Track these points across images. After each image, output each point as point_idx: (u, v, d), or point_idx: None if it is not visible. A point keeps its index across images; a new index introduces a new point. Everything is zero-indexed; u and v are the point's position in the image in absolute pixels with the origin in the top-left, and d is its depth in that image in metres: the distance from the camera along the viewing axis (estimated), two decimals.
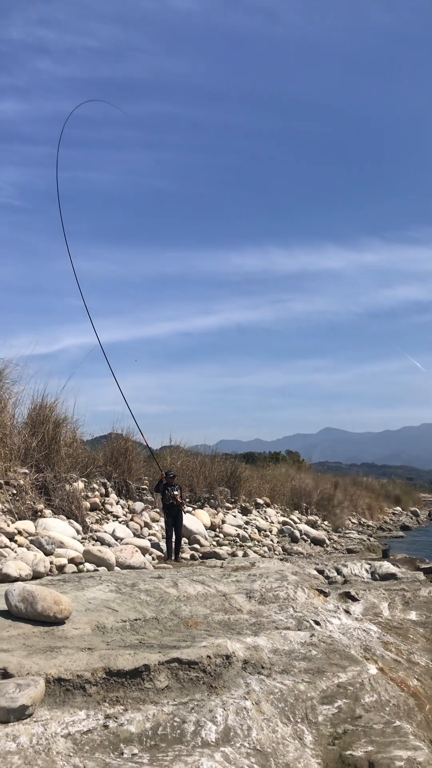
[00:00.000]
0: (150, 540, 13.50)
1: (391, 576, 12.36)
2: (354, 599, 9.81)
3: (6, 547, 9.33)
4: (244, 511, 20.11)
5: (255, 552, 15.46)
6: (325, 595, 9.50)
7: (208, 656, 5.70)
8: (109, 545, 11.64)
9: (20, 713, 4.24)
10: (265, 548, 16.77)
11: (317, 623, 7.89)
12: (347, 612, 9.00)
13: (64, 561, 9.43)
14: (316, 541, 20.17)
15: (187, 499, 17.20)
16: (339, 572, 12.16)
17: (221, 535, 16.55)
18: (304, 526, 21.52)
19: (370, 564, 12.94)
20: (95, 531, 12.42)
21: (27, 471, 12.07)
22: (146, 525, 14.55)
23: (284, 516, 22.53)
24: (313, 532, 21.11)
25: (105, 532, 12.50)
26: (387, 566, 12.82)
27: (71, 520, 11.95)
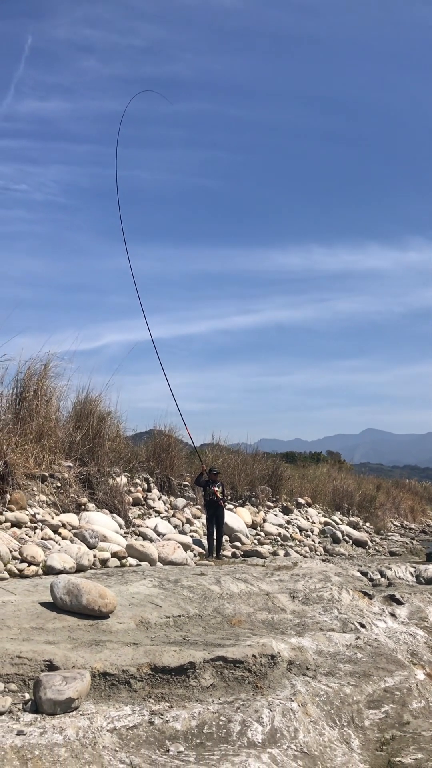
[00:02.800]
0: (192, 536, 13.47)
1: None
2: (399, 602, 9.62)
3: (50, 539, 9.39)
4: (285, 511, 19.96)
5: (296, 552, 15.31)
6: (370, 597, 9.33)
7: (253, 655, 5.63)
8: (151, 540, 11.64)
9: (66, 706, 4.23)
10: (306, 548, 16.60)
11: (362, 626, 7.75)
12: (393, 615, 8.82)
13: (107, 555, 9.45)
14: (358, 543, 19.90)
15: (229, 497, 17.14)
16: (383, 574, 11.95)
17: (262, 534, 16.43)
18: (345, 527, 21.26)
19: (414, 567, 12.70)
20: (137, 526, 12.43)
21: (71, 464, 12.14)
22: (188, 521, 14.53)
23: (325, 516, 22.30)
24: (354, 533, 20.84)
25: (147, 527, 12.50)
26: None
27: (114, 515, 11.98)
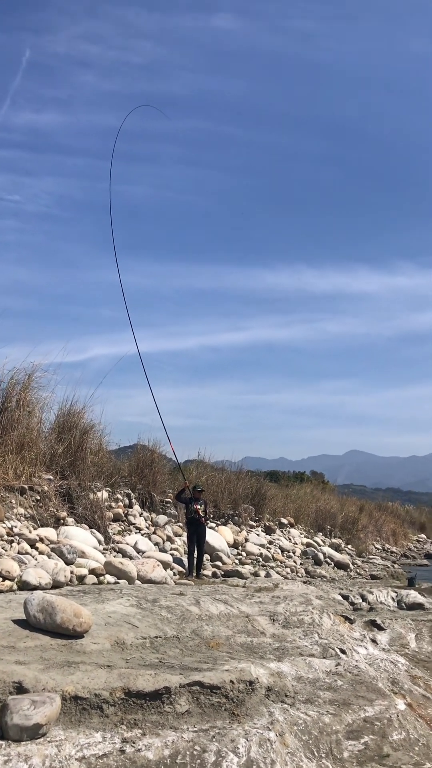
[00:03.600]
0: (172, 554, 13.26)
1: (419, 606, 11.96)
2: (380, 628, 9.47)
3: (27, 553, 9.17)
4: (268, 531, 19.78)
5: (278, 573, 15.12)
6: (351, 622, 9.17)
7: (231, 681, 5.45)
8: (131, 557, 11.43)
9: (34, 732, 4.04)
10: (288, 569, 16.42)
11: (343, 651, 7.59)
12: (374, 641, 8.66)
13: (84, 571, 9.24)
14: (340, 565, 19.74)
15: (211, 515, 16.94)
16: (364, 599, 11.80)
17: (244, 554, 16.24)
18: (327, 549, 21.10)
19: (396, 592, 12.56)
20: (117, 542, 12.22)
21: (51, 477, 11.94)
22: (169, 539, 14.32)
23: (308, 537, 22.13)
24: (336, 555, 20.69)
25: (127, 543, 12.30)
26: (414, 595, 12.42)
27: (93, 530, 11.78)
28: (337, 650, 7.57)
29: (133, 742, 4.36)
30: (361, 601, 11.67)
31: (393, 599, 12.24)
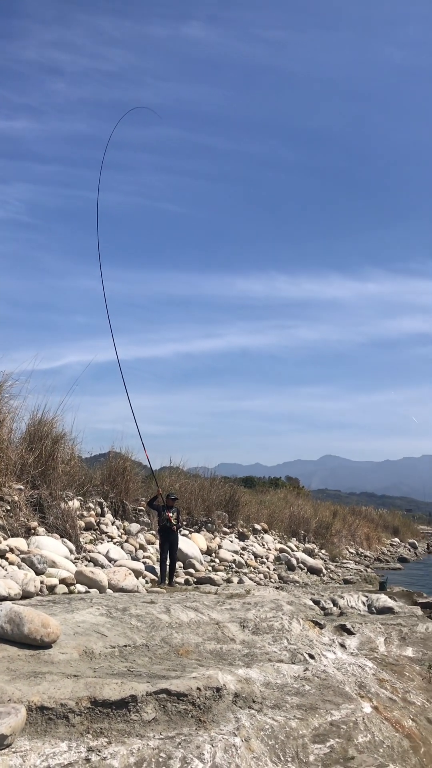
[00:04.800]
0: (144, 563, 13.28)
1: (388, 610, 12.11)
2: (350, 632, 9.58)
3: None
4: (242, 537, 19.86)
5: (251, 579, 15.20)
6: (321, 627, 9.27)
7: (198, 688, 5.51)
8: (103, 566, 11.43)
9: None
10: (261, 575, 16.50)
11: (312, 657, 7.68)
12: (342, 646, 8.77)
13: (55, 581, 9.23)
14: (313, 570, 19.88)
15: (184, 522, 16.98)
16: (335, 603, 11.91)
17: (217, 561, 16.29)
18: (301, 554, 21.23)
19: (367, 596, 12.69)
20: (89, 551, 12.21)
21: (22, 487, 11.89)
22: (141, 547, 14.33)
23: (281, 543, 22.25)
24: (310, 560, 20.82)
25: (99, 552, 12.29)
26: (384, 599, 12.56)
27: (65, 539, 11.75)
28: (306, 655, 7.66)
29: (99, 751, 4.40)
30: (332, 605, 11.78)
31: (364, 603, 12.37)
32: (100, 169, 15.38)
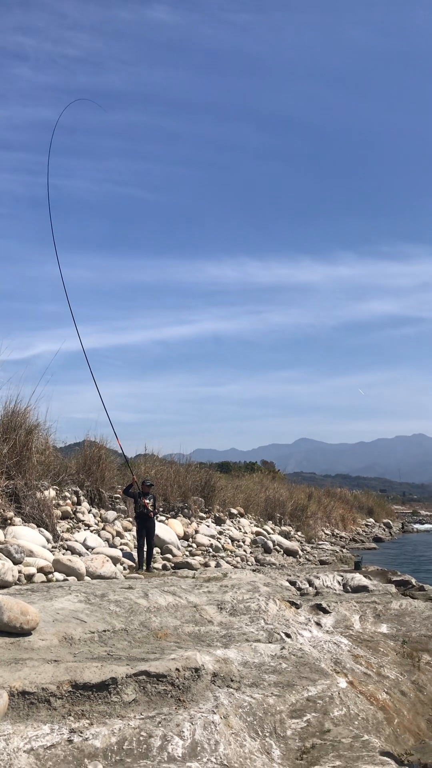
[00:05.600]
0: (122, 549, 13.36)
1: (363, 588, 12.37)
2: (325, 611, 9.79)
3: None
4: (218, 521, 20.03)
5: (228, 563, 15.38)
6: (297, 607, 9.46)
7: (177, 669, 5.63)
8: (80, 554, 11.50)
9: None
10: (238, 559, 16.69)
11: (288, 636, 7.85)
12: (318, 624, 8.97)
13: (33, 570, 9.28)
14: (289, 552, 20.14)
15: (161, 509, 17.08)
16: (311, 584, 12.13)
17: (194, 545, 16.44)
18: (277, 537, 21.49)
19: (342, 576, 12.94)
20: (66, 540, 12.26)
21: None
22: (118, 534, 14.41)
23: (258, 526, 22.49)
24: (286, 542, 21.09)
25: (76, 541, 12.35)
26: (359, 578, 12.83)
27: (41, 529, 11.78)
28: (282, 635, 7.82)
29: (81, 732, 4.50)
30: (308, 586, 12.00)
31: (339, 583, 12.62)
32: (48, 156, 15.23)
